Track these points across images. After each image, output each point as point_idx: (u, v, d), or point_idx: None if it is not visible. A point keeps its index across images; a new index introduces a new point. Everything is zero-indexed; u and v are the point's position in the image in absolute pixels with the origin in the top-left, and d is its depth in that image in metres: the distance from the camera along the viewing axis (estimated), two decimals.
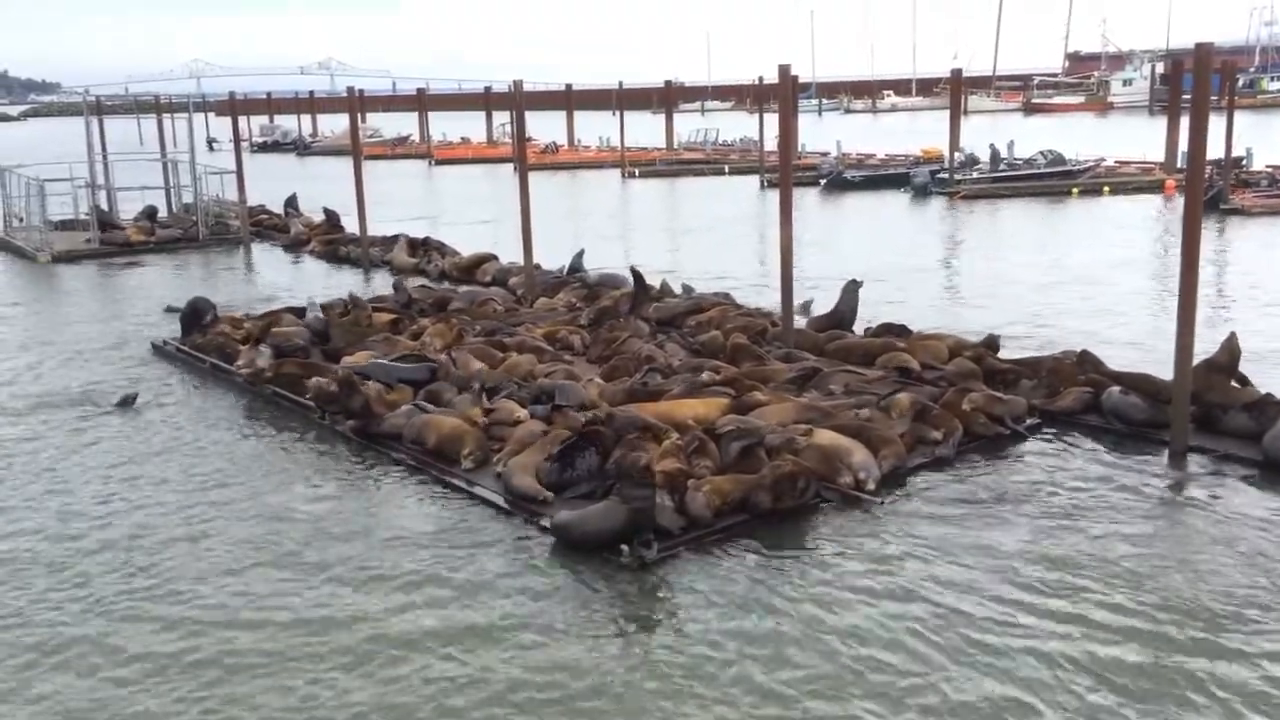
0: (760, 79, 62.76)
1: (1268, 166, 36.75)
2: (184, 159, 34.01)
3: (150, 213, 33.15)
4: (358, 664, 8.11)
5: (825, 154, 50.21)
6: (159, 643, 8.49)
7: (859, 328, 16.73)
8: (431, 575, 9.51)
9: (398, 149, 77.87)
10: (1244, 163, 35.99)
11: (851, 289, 16.99)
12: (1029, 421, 12.73)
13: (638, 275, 18.49)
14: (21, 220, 31.86)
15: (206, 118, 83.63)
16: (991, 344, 15.00)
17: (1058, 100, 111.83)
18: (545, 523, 10.19)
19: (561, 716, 7.42)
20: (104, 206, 32.81)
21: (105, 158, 35.12)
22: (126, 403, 14.53)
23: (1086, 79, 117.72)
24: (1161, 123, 44.19)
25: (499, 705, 7.56)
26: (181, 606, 9.04)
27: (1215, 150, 27.14)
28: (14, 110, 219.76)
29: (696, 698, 7.54)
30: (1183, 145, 29.63)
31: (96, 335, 19.59)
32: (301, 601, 9.09)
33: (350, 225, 29.42)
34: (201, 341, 17.33)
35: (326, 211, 32.27)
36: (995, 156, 39.94)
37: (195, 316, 18.09)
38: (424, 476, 11.82)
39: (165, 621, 8.81)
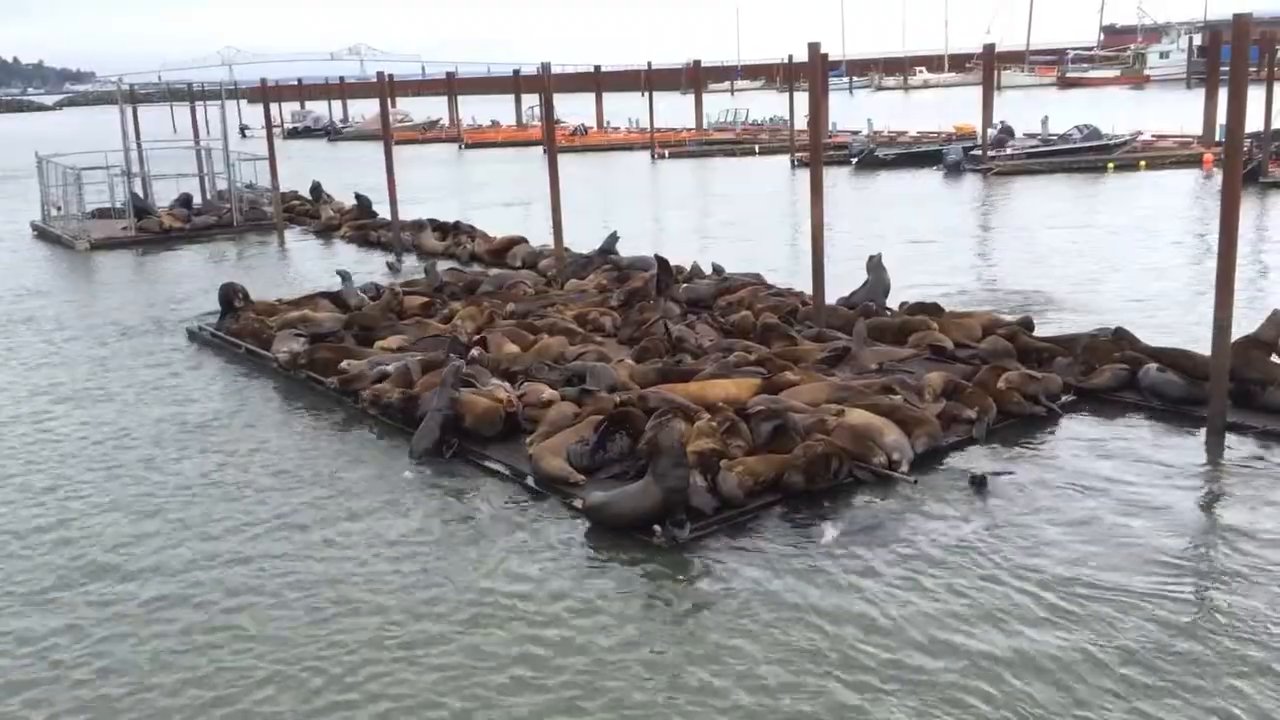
0: (790, 57, 62.37)
1: None
2: (217, 146, 34.29)
3: (185, 200, 33.53)
4: (394, 639, 8.20)
5: (856, 132, 49.84)
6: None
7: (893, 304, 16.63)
8: (464, 556, 9.58)
9: (428, 133, 78.18)
10: None
11: (875, 265, 16.94)
12: (1064, 399, 12.63)
13: (662, 261, 18.41)
14: (59, 209, 32.28)
15: (239, 105, 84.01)
16: (1026, 322, 14.88)
17: (1093, 74, 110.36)
18: (578, 504, 10.24)
19: (595, 695, 7.47)
20: (140, 194, 33.16)
21: (140, 146, 35.40)
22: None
23: (1122, 52, 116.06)
24: (1199, 96, 43.49)
25: (533, 685, 7.62)
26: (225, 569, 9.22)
27: (1254, 123, 26.63)
28: (50, 99, 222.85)
29: (730, 677, 7.57)
30: (1221, 118, 29.20)
31: (135, 321, 19.86)
32: (332, 573, 9.21)
33: (381, 210, 29.59)
34: (236, 327, 17.52)
35: (358, 197, 32.47)
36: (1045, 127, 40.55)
37: (225, 302, 18.35)
38: (457, 458, 11.89)
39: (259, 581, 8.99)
